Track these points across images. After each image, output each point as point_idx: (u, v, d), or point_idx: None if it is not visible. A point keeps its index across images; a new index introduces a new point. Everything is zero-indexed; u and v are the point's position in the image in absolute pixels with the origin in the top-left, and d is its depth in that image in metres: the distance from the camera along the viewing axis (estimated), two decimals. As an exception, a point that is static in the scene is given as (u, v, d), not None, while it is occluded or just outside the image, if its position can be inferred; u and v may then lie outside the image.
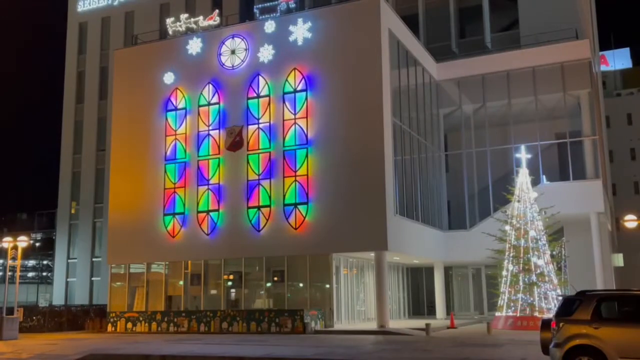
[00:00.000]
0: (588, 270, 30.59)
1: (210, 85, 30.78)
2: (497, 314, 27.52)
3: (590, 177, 31.81)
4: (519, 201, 28.04)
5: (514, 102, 33.75)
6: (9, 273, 30.05)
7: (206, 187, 30.08)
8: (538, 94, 33.13)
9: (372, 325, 27.37)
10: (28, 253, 53.62)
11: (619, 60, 68.48)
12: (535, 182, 29.78)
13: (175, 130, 31.29)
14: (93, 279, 42.38)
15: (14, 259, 28.00)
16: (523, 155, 29.31)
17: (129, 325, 29.91)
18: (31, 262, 66.09)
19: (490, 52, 35.93)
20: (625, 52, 70.85)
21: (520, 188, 28.21)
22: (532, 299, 26.41)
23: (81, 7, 46.40)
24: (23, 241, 27.49)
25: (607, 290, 15.13)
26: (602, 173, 32.80)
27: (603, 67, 62.19)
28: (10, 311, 27.36)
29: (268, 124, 29.22)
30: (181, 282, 30.93)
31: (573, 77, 32.52)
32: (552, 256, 28.14)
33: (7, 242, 28.14)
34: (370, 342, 21.07)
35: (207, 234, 29.64)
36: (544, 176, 32.32)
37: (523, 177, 28.40)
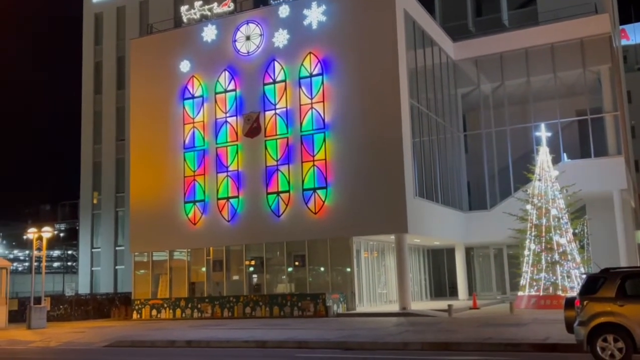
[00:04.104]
0: (611, 247, 30.32)
1: (227, 72, 30.80)
2: (520, 293, 27.41)
3: (612, 154, 31.39)
4: (539, 180, 27.79)
5: (533, 79, 33.32)
6: (35, 263, 30.48)
7: (225, 174, 30.22)
8: (557, 70, 32.68)
9: (394, 308, 27.43)
10: (53, 243, 54.57)
11: (640, 33, 67.05)
12: (556, 160, 29.47)
13: (193, 118, 31.41)
14: (117, 267, 42.93)
15: (39, 249, 28.42)
16: (543, 133, 28.98)
17: (154, 312, 30.31)
18: (56, 253, 67.29)
19: (507, 30, 35.44)
20: (647, 25, 69.28)
21: (541, 167, 27.95)
22: (554, 277, 26.25)
23: (96, -2, 46.54)
24: (47, 232, 27.86)
25: (631, 267, 14.97)
26: (624, 149, 32.33)
27: (624, 42, 60.99)
28: (37, 301, 27.85)
29: (285, 109, 29.21)
30: (203, 269, 31.22)
31: (593, 52, 31.99)
32: (574, 234, 27.90)
33: (32, 233, 28.55)
34: (393, 324, 21.13)
35: (228, 221, 29.82)
36: (565, 154, 31.97)
37: (543, 156, 28.12)
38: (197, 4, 32.47)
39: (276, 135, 29.25)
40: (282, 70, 29.46)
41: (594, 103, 32.84)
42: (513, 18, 37.03)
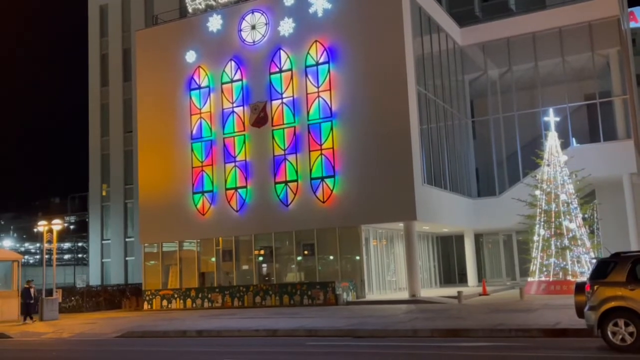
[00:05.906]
0: (621, 232, 30.21)
1: (232, 62, 30.75)
2: (530, 279, 27.37)
3: (622, 138, 31.19)
4: (548, 165, 27.66)
5: (540, 64, 33.08)
6: (46, 256, 30.70)
7: (233, 164, 30.25)
8: (565, 55, 32.43)
9: (404, 295, 27.46)
10: (63, 236, 54.93)
11: (649, 16, 66.21)
12: (564, 145, 29.31)
13: (200, 109, 31.42)
14: (127, 258, 43.16)
15: (49, 242, 28.61)
16: (552, 118, 28.80)
17: (164, 302, 30.49)
18: (66, 245, 67.82)
19: (514, 15, 35.16)
20: (656, 7, 68.46)
21: (550, 152, 27.80)
22: (564, 263, 26.18)
23: (101, -10, 46.42)
24: (57, 224, 28.02)
25: (642, 251, 14.90)
26: (634, 133, 32.08)
27: (632, 24, 60.20)
28: (49, 292, 28.07)
29: (291, 98, 29.15)
30: (213, 259, 31.35)
31: (601, 35, 31.69)
32: (584, 219, 27.79)
33: (42, 226, 28.71)
34: (402, 312, 21.17)
35: (237, 211, 29.89)
36: (574, 139, 31.78)
37: (552, 141, 27.96)
38: (201, -6, 32.37)
39: (283, 124, 29.22)
40: (288, 59, 29.37)
41: (602, 87, 32.59)
42: (520, 2, 36.72)
